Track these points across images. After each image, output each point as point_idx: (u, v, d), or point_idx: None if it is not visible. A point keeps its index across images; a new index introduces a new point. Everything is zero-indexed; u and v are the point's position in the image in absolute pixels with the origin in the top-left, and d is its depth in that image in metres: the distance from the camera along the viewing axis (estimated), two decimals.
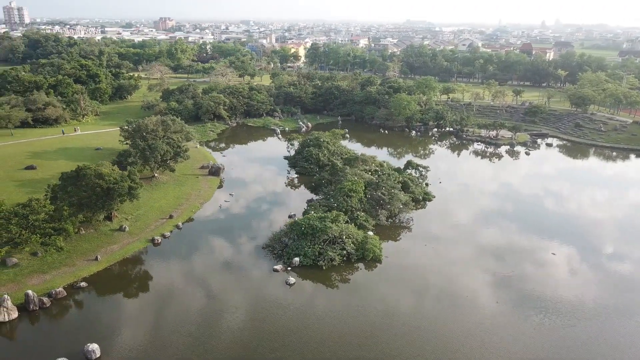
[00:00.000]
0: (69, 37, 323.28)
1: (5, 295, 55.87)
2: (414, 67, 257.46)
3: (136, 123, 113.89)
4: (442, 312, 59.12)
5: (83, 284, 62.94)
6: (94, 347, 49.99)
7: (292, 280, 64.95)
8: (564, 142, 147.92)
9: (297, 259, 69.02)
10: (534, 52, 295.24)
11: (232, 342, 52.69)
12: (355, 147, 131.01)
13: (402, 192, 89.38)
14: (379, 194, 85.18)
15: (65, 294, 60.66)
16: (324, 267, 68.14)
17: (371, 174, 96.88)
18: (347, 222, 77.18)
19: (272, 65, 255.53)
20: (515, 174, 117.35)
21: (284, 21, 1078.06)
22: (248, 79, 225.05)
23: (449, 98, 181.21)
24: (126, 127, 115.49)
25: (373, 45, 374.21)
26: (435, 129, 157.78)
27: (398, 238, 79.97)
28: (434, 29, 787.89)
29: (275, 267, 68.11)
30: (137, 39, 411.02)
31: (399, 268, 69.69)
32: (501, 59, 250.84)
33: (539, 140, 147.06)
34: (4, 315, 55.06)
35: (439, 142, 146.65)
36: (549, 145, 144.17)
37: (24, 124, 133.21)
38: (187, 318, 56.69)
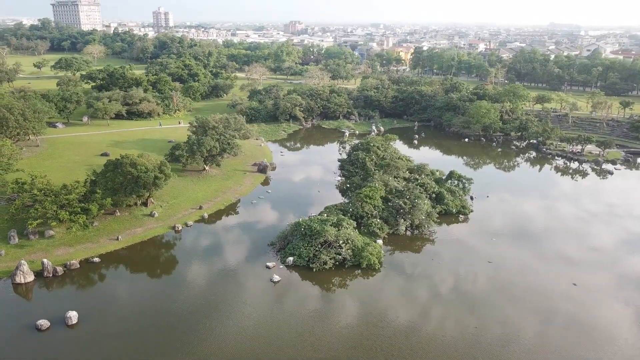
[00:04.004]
0: (190, 39, 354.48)
1: (22, 261, 65.04)
2: (521, 74, 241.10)
3: (201, 119, 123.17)
4: (418, 324, 56.68)
5: (96, 259, 70.63)
6: (73, 314, 56.55)
7: (277, 278, 66.48)
8: None
9: (291, 258, 70.35)
10: None
11: (198, 328, 56.02)
12: (422, 154, 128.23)
13: (430, 202, 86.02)
14: (400, 202, 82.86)
15: (78, 266, 68.66)
16: (315, 270, 68.61)
17: (410, 182, 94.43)
18: (355, 227, 76.65)
19: (371, 69, 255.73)
20: (577, 194, 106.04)
21: (416, 24, 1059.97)
22: (341, 81, 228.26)
23: (542, 108, 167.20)
24: (195, 123, 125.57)
25: (484, 49, 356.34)
26: (523, 141, 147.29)
27: (411, 249, 77.26)
28: (577, 32, 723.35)
29: (267, 264, 70.13)
30: (261, 40, 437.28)
31: (391, 279, 67.78)
32: (625, 67, 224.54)
33: (636, 159, 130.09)
34: (20, 277, 64.13)
35: (515, 155, 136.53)
36: None
37: (122, 116, 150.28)
38: (164, 302, 61.06)
